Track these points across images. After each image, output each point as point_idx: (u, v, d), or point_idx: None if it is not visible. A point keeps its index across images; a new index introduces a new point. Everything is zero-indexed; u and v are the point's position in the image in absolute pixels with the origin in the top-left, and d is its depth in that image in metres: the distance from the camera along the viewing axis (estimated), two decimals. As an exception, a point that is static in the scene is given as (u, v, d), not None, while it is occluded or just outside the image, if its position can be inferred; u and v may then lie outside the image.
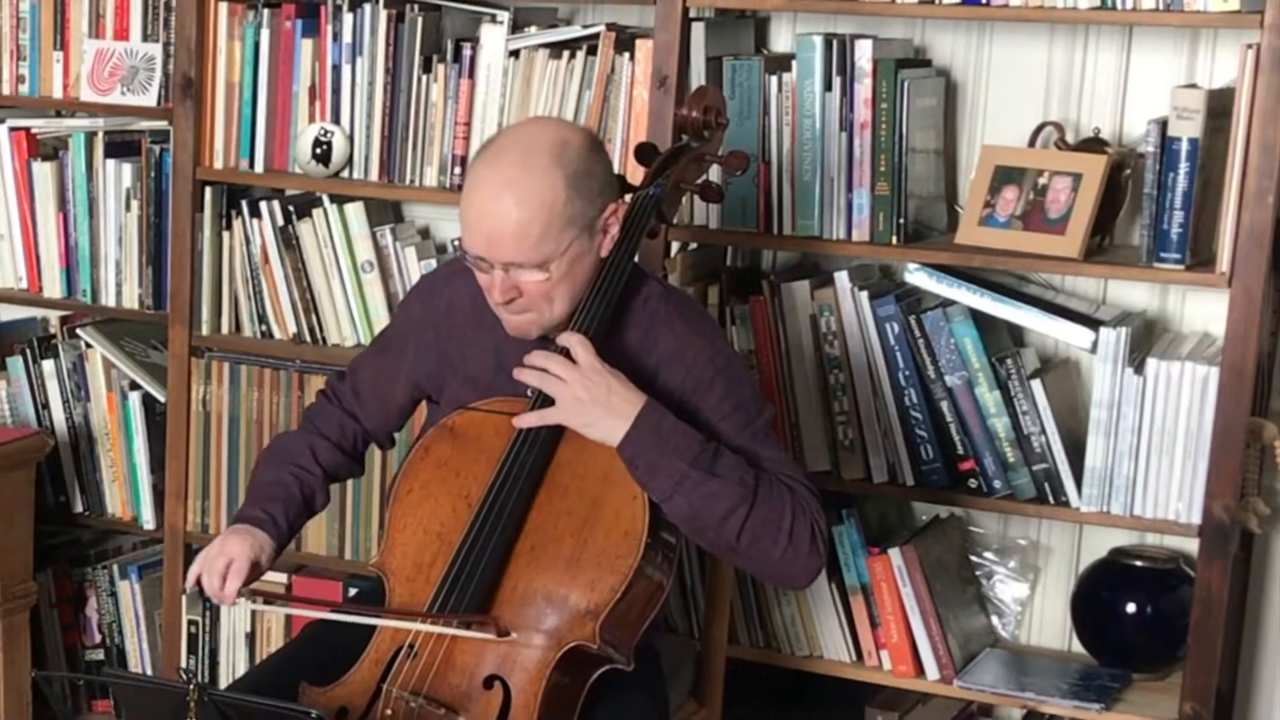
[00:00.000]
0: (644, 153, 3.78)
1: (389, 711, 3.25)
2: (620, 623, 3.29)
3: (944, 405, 4.13)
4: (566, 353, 3.32)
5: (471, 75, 4.42)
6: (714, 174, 3.92)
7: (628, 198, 3.66)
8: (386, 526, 3.49)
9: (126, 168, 4.83)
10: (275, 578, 4.76)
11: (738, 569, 4.09)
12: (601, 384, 3.27)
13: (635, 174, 3.89)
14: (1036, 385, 4.06)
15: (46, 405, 5.02)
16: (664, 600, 3.41)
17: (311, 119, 4.59)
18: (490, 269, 3.29)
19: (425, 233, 4.74)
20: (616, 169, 3.81)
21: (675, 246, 4.35)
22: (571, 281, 3.33)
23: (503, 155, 3.29)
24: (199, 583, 3.42)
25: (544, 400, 3.34)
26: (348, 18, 4.50)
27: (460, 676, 3.27)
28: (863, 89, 4.10)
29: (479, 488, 3.34)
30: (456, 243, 4.29)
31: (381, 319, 4.47)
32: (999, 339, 4.18)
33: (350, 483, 4.54)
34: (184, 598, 4.91)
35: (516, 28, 4.42)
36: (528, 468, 3.31)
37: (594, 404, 3.26)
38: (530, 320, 3.36)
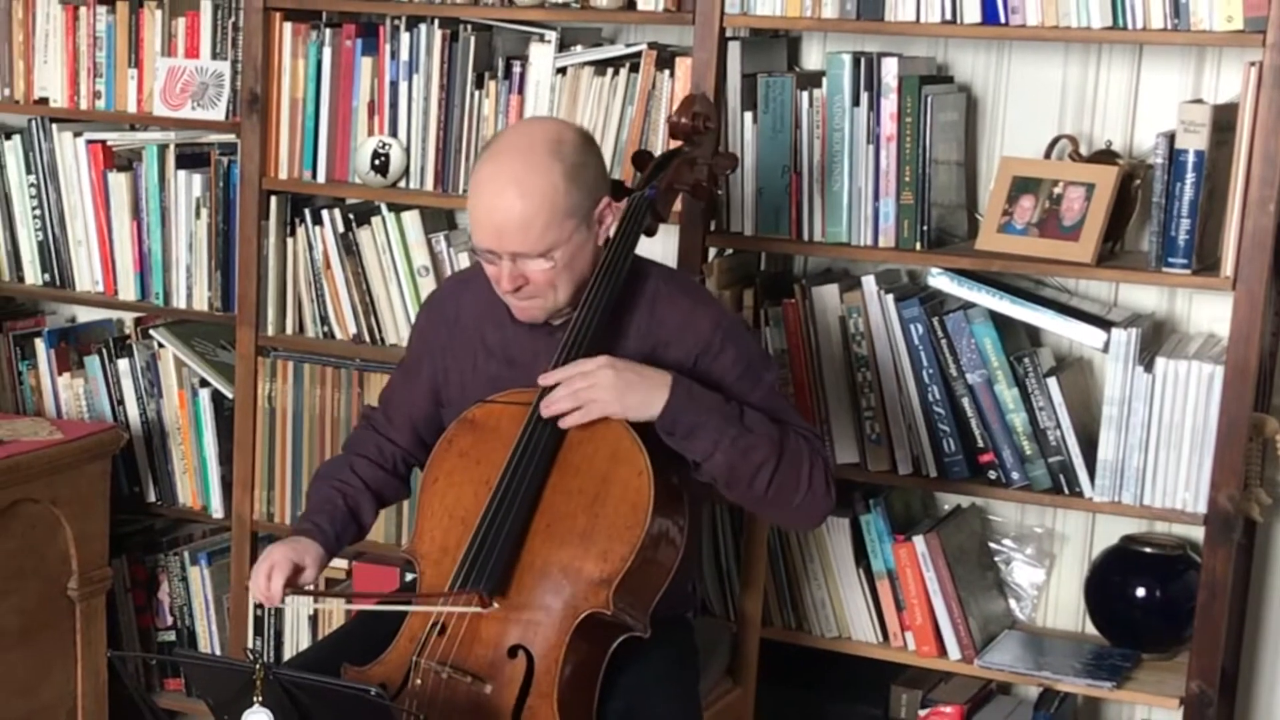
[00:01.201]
0: (639, 159, 3.82)
1: (420, 682, 3.31)
2: (633, 590, 3.33)
3: (965, 401, 4.14)
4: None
5: (521, 91, 4.43)
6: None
7: (624, 201, 3.69)
8: (416, 514, 3.56)
9: (196, 178, 4.86)
10: (337, 563, 4.73)
11: (769, 547, 4.19)
12: (626, 370, 3.34)
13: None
14: (1052, 383, 4.07)
15: (122, 401, 5.06)
16: (675, 569, 3.43)
17: (370, 132, 4.60)
18: (499, 260, 3.37)
19: (477, 238, 4.75)
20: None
21: (713, 252, 4.35)
22: (573, 269, 3.40)
23: (504, 154, 3.37)
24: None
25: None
26: (405, 37, 4.51)
27: (486, 648, 3.31)
28: (889, 104, 4.11)
29: (497, 473, 3.39)
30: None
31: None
32: (1017, 339, 4.19)
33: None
34: (251, 582, 4.97)
35: (563, 46, 4.43)
36: (539, 451, 3.36)
37: (629, 388, 3.32)
38: (537, 305, 3.44)
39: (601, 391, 3.31)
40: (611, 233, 3.53)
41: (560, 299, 3.43)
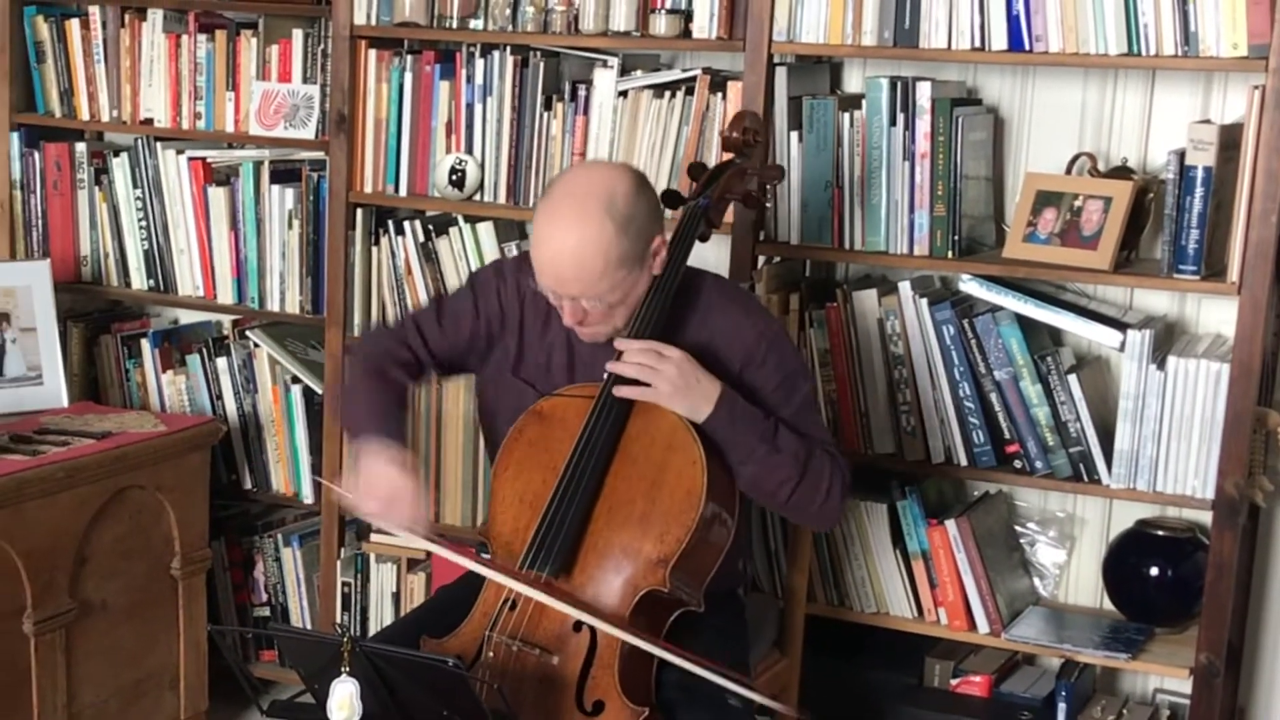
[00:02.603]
0: (694, 170, 3.82)
1: (493, 655, 3.34)
2: (688, 569, 3.35)
3: (993, 396, 4.14)
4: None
5: (586, 112, 4.43)
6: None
7: (669, 211, 3.66)
8: (490, 499, 3.54)
9: (289, 192, 4.88)
10: (419, 543, 4.65)
11: (814, 535, 4.18)
12: (691, 373, 3.37)
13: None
14: (1073, 379, 4.08)
15: (220, 397, 5.07)
16: (727, 549, 3.44)
17: (448, 150, 4.61)
18: (560, 299, 3.42)
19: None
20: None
21: (761, 260, 4.34)
22: (628, 303, 3.44)
23: (561, 206, 3.36)
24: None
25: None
26: (479, 63, 4.52)
27: (553, 622, 3.32)
28: (923, 124, 4.12)
29: (564, 461, 3.40)
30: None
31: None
32: (1040, 339, 4.18)
33: (482, 461, 4.55)
34: (338, 562, 4.93)
35: (625, 71, 4.45)
36: (602, 441, 3.39)
37: (686, 390, 3.35)
38: (598, 332, 3.47)
39: (664, 381, 3.35)
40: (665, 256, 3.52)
41: (618, 325, 3.46)
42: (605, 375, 3.43)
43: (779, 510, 3.62)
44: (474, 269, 4.58)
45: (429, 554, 4.82)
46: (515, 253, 4.57)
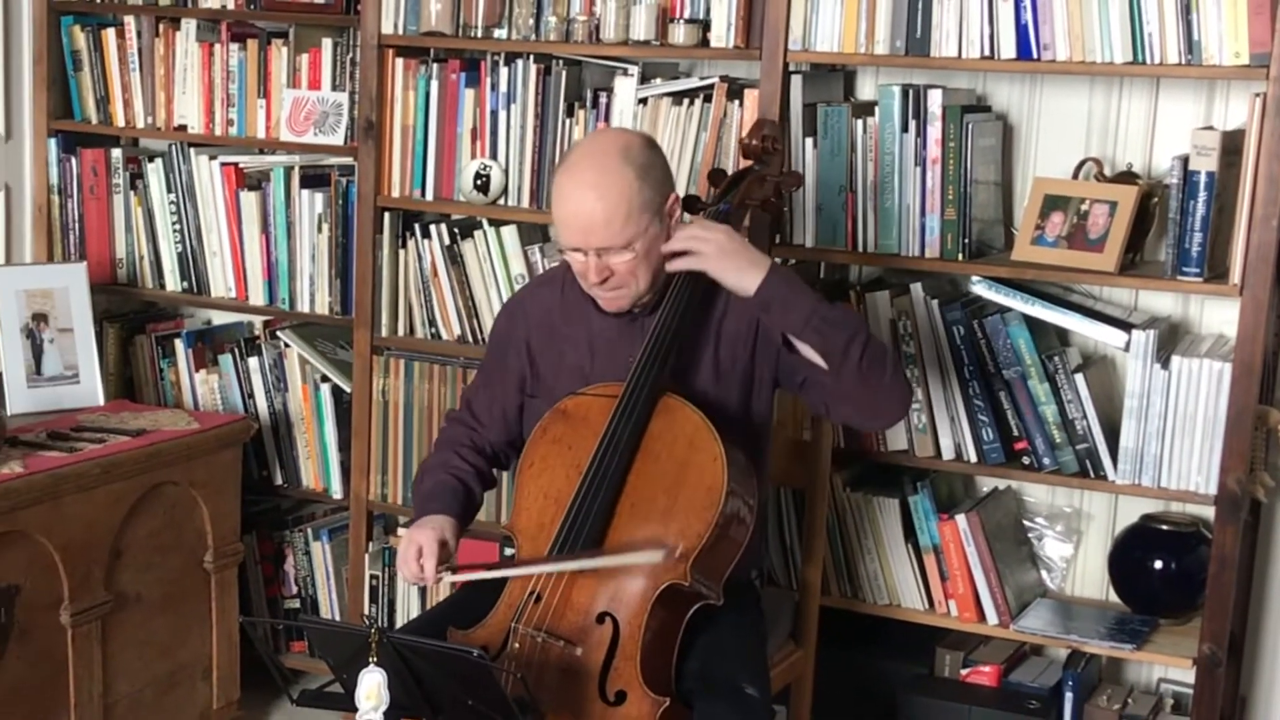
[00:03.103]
0: (714, 176, 3.85)
1: (518, 646, 3.35)
2: (708, 563, 3.36)
3: (1002, 395, 4.16)
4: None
5: (607, 119, 4.45)
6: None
7: (689, 216, 3.69)
8: (515, 495, 3.57)
9: (319, 196, 4.90)
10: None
11: (827, 525, 4.18)
12: (739, 241, 3.42)
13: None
14: (1079, 378, 4.09)
15: (252, 395, 5.09)
16: (745, 544, 3.45)
17: (473, 155, 4.63)
18: (585, 256, 3.43)
19: (568, 250, 4.74)
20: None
21: (777, 262, 4.16)
22: (650, 258, 3.45)
23: (581, 163, 3.43)
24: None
25: (656, 357, 3.44)
26: (504, 71, 4.54)
27: (577, 614, 3.35)
28: (934, 130, 4.12)
29: (588, 458, 3.42)
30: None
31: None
32: (1048, 339, 4.19)
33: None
34: (366, 556, 4.93)
35: (645, 79, 4.46)
36: (625, 438, 3.41)
37: (736, 254, 3.40)
38: (622, 294, 3.49)
39: (710, 246, 3.39)
40: (684, 219, 3.56)
41: (641, 286, 3.47)
42: (629, 373, 3.45)
43: (856, 385, 3.45)
44: (497, 273, 4.66)
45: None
46: (538, 255, 4.60)
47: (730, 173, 3.87)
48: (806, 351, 3.47)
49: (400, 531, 4.93)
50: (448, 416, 3.90)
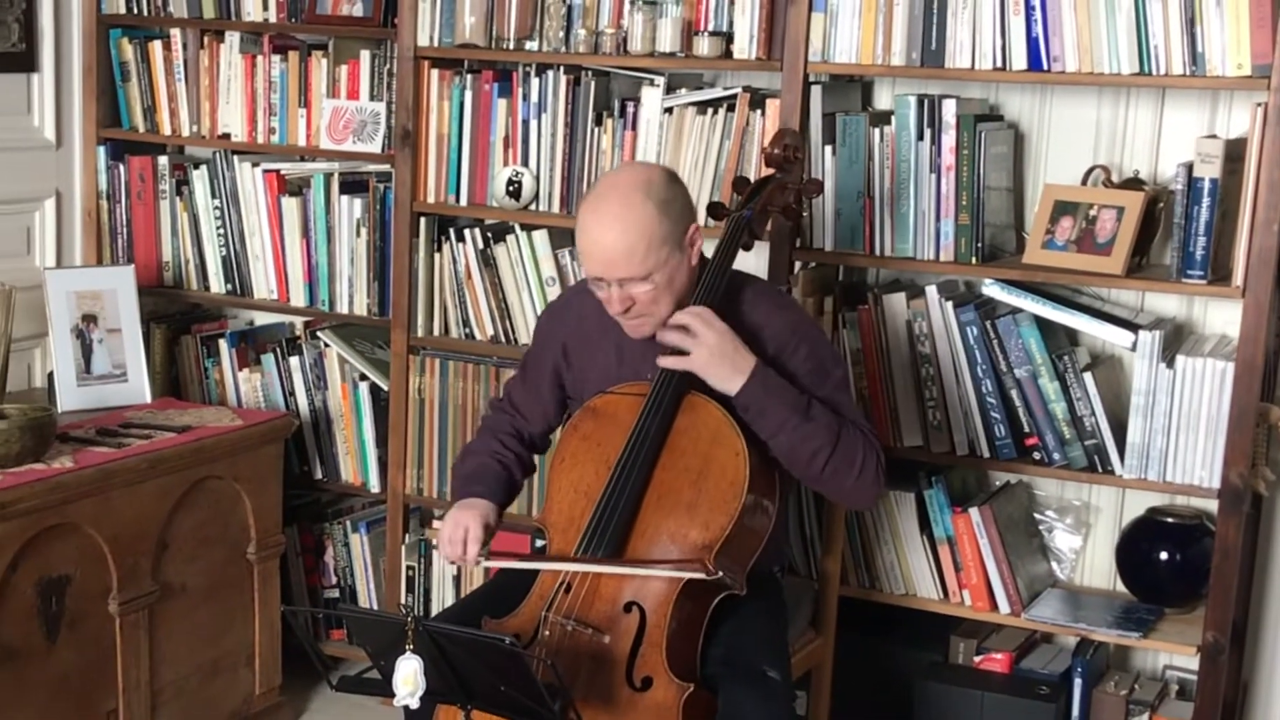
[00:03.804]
0: (738, 183, 3.86)
1: (548, 633, 3.37)
2: (731, 554, 3.39)
3: (1013, 393, 4.16)
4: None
5: (634, 128, 4.47)
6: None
7: (712, 221, 3.72)
8: (546, 489, 3.60)
9: (357, 202, 4.91)
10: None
11: (846, 518, 4.21)
12: (730, 344, 3.41)
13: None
14: (1088, 377, 4.10)
15: (293, 393, 5.13)
16: (768, 536, 3.49)
17: (505, 163, 4.65)
18: (608, 286, 3.45)
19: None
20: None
21: (798, 265, 4.34)
22: (672, 288, 3.47)
23: (604, 198, 3.43)
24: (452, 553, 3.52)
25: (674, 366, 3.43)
26: (535, 81, 4.57)
27: (605, 604, 3.37)
28: (948, 139, 4.15)
29: (616, 454, 3.44)
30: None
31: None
32: (1057, 339, 4.20)
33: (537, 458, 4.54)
34: (403, 547, 4.96)
35: (670, 90, 4.46)
36: (652, 435, 3.43)
37: (723, 359, 3.39)
38: (644, 322, 3.50)
39: (701, 348, 3.39)
40: (707, 253, 3.57)
41: (663, 314, 3.48)
42: (653, 374, 3.48)
43: (817, 485, 3.58)
44: (529, 275, 4.67)
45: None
46: (567, 259, 4.63)
47: (753, 180, 3.89)
48: (775, 449, 3.49)
49: (441, 515, 4.74)
50: (491, 404, 3.94)
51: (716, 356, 3.42)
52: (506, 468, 3.76)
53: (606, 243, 3.42)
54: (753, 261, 4.25)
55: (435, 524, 4.94)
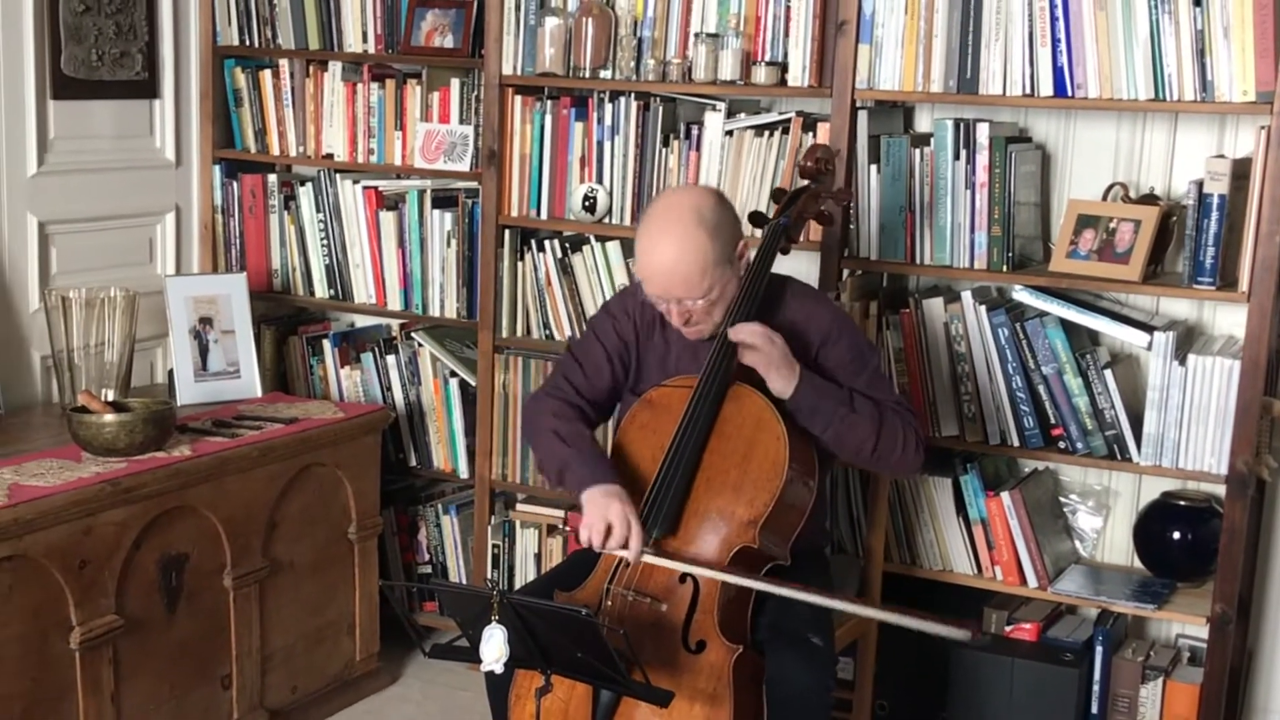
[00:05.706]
0: (776, 194, 3.90)
1: (611, 604, 3.44)
2: (775, 528, 3.46)
3: (1041, 388, 4.22)
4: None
5: (698, 149, 4.52)
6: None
7: (758, 232, 3.79)
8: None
9: (448, 216, 4.98)
10: (553, 512, 4.93)
11: (889, 501, 4.27)
12: (783, 353, 3.49)
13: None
14: (1108, 373, 4.15)
15: (389, 388, 5.19)
16: (809, 511, 3.54)
17: (582, 180, 4.71)
18: (668, 303, 3.54)
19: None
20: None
21: (845, 273, 4.36)
22: (725, 298, 3.54)
23: (659, 227, 3.48)
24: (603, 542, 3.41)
25: (725, 359, 3.50)
26: (608, 106, 4.63)
27: (662, 575, 3.44)
28: (982, 158, 4.19)
29: (669, 440, 3.50)
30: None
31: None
32: (1080, 340, 4.25)
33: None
34: (489, 528, 5.00)
35: (731, 114, 4.51)
36: (701, 422, 3.49)
37: (778, 367, 3.48)
38: (702, 328, 3.58)
39: (763, 356, 3.47)
40: (752, 257, 3.62)
41: (717, 319, 3.56)
42: (704, 367, 3.54)
43: (868, 465, 3.66)
44: (603, 282, 4.74)
45: (565, 521, 4.86)
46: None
47: (789, 191, 3.94)
48: (828, 441, 3.56)
49: (525, 499, 5.00)
50: (551, 387, 3.79)
51: (776, 363, 3.50)
52: (604, 452, 3.69)
53: (665, 269, 3.48)
54: (803, 268, 4.36)
55: (519, 508, 5.03)
